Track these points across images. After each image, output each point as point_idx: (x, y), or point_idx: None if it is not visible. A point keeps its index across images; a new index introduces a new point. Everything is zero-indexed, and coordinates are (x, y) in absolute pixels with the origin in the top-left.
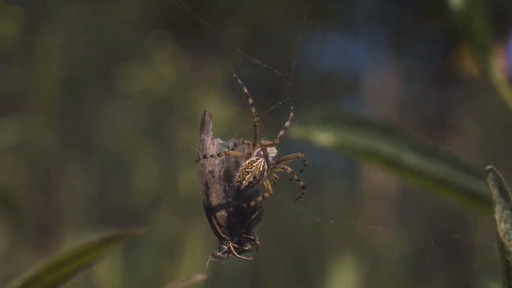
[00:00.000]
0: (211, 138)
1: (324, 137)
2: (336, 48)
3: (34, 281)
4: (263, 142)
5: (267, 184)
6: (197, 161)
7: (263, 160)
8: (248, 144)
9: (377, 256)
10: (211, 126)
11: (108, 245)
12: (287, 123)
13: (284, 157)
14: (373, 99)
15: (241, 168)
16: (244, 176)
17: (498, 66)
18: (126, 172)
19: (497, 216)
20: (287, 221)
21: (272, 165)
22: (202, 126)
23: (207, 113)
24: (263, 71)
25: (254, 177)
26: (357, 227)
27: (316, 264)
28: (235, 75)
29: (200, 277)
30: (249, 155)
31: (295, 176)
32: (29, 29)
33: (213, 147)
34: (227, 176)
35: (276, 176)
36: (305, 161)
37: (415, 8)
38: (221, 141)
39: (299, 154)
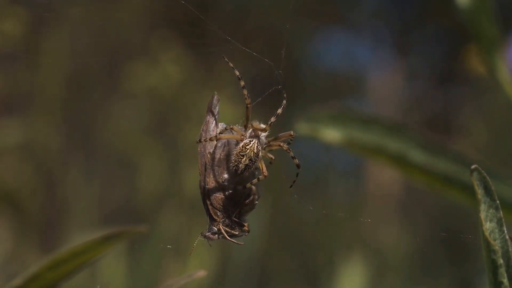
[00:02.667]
0: (216, 121)
1: (331, 135)
2: (341, 47)
3: (35, 279)
4: (255, 125)
5: (262, 165)
6: (197, 142)
7: (256, 142)
8: (232, 128)
9: (382, 255)
10: (217, 110)
11: (110, 242)
12: (279, 110)
13: (277, 136)
14: (377, 98)
15: (235, 152)
16: (239, 159)
17: (504, 65)
18: (130, 171)
19: (482, 215)
20: (292, 219)
21: (265, 144)
22: (209, 108)
23: (215, 96)
24: (266, 67)
25: (250, 160)
26: (362, 226)
27: (322, 262)
28: (226, 59)
29: (201, 274)
30: (242, 137)
31: (291, 153)
32: (34, 29)
33: (217, 130)
34: (227, 159)
35: (271, 156)
36: (292, 139)
37: (419, 6)
38: (225, 125)
39: (292, 133)
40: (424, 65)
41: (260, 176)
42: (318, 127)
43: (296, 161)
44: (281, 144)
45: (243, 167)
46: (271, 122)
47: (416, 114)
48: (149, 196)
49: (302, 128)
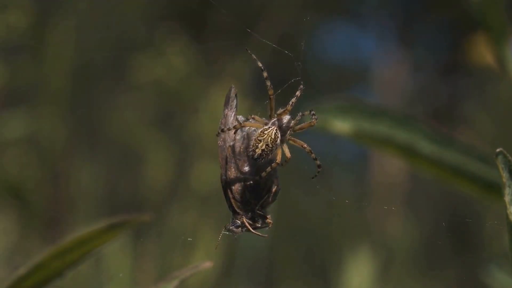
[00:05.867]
0: (234, 114)
1: (340, 126)
2: (345, 39)
3: (40, 268)
4: (279, 112)
5: (279, 153)
6: (217, 135)
7: (274, 128)
8: (253, 118)
9: (390, 246)
10: (235, 102)
11: (114, 231)
12: (297, 92)
13: (298, 126)
14: (382, 90)
15: (254, 137)
16: (257, 144)
17: None
18: (136, 164)
19: (506, 199)
20: (298, 212)
21: (288, 134)
22: (227, 102)
23: (232, 89)
24: (278, 60)
25: (267, 145)
26: (369, 217)
27: (329, 254)
28: (249, 51)
29: (207, 265)
30: (265, 125)
31: (313, 155)
32: (39, 21)
33: (235, 123)
34: (247, 152)
35: (288, 155)
36: (313, 117)
37: None
38: (243, 118)
39: (313, 122)
40: (429, 56)
41: (273, 164)
42: (327, 118)
43: (318, 162)
44: (304, 145)
45: (259, 151)
46: (292, 102)
47: (421, 105)
48: (155, 188)
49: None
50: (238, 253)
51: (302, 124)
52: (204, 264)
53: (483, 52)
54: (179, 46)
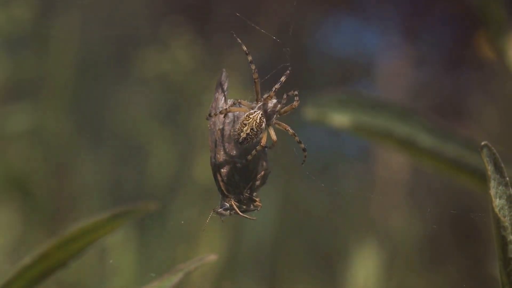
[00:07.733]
0: (225, 98)
1: (339, 119)
2: (348, 32)
3: (44, 258)
4: (264, 96)
5: (264, 137)
6: (207, 118)
7: (260, 112)
8: (240, 102)
9: (394, 240)
10: (226, 86)
11: (118, 220)
12: (282, 78)
13: (283, 109)
14: (386, 84)
15: (240, 121)
16: (242, 128)
17: None
18: (140, 158)
19: (492, 192)
20: (302, 205)
21: (274, 118)
22: (218, 85)
23: (223, 72)
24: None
25: (251, 129)
26: (372, 211)
27: (333, 248)
28: (235, 35)
29: (211, 258)
30: (251, 109)
31: (296, 138)
32: (44, 14)
33: (226, 106)
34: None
35: (274, 138)
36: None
37: None
38: (233, 100)
39: (295, 104)
40: (434, 50)
41: (257, 147)
42: (326, 111)
43: (302, 145)
44: (287, 128)
45: (244, 135)
46: (275, 89)
47: (425, 99)
48: (159, 182)
49: (310, 113)
50: (242, 246)
51: (285, 107)
52: (209, 257)
53: (487, 46)
54: (185, 39)
